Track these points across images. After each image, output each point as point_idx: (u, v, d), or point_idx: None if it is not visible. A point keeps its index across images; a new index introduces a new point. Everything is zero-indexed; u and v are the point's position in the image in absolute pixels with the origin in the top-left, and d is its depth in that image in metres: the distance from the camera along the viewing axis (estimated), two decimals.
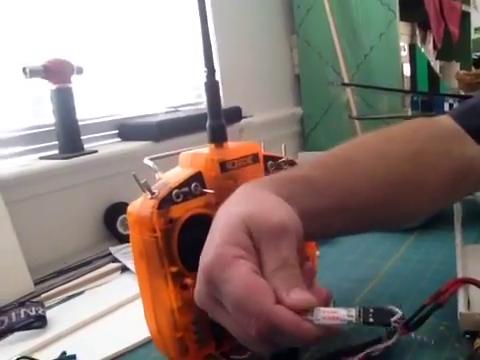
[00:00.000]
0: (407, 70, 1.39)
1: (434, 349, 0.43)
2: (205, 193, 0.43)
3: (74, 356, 0.49)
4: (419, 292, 0.53)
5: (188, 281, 0.42)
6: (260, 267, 0.33)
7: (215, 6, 1.32)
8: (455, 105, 1.03)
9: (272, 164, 0.50)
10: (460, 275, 0.48)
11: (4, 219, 0.69)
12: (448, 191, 0.48)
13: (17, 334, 0.56)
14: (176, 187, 0.42)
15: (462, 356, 0.40)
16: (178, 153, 0.49)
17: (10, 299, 0.62)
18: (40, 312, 0.57)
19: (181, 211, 0.42)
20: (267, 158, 0.50)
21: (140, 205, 0.42)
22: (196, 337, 0.43)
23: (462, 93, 1.42)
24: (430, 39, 1.85)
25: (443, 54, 2.01)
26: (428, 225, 0.74)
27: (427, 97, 1.00)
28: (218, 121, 0.46)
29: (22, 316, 0.56)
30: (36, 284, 0.70)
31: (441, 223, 0.73)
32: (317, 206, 0.40)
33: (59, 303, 0.65)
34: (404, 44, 1.47)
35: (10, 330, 0.55)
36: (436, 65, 1.87)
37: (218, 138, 0.47)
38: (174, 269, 0.41)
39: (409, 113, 1.21)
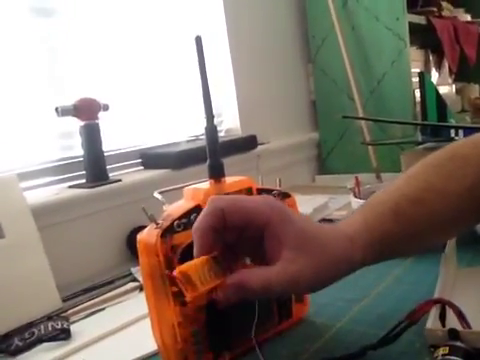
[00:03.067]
0: (417, 96, 1.44)
1: None
2: None
3: None
4: (405, 312, 0.57)
5: (187, 299, 0.49)
6: None
7: (232, 35, 1.39)
8: (460, 131, 1.07)
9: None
10: (436, 296, 0.53)
11: (37, 243, 0.76)
12: None
13: (45, 345, 0.63)
14: (177, 218, 0.49)
15: None
16: (182, 187, 0.56)
17: (40, 314, 0.70)
18: (65, 326, 0.64)
19: (181, 239, 0.49)
20: (261, 191, 0.56)
21: (147, 233, 0.50)
22: (195, 349, 0.50)
23: (470, 118, 1.45)
24: (445, 63, 1.88)
25: (461, 76, 2.04)
26: None
27: (434, 129, 1.05)
28: (216, 161, 0.54)
29: (49, 329, 0.63)
30: (64, 301, 0.77)
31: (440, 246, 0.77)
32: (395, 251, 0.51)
33: (83, 318, 0.71)
34: (417, 70, 1.52)
35: (39, 341, 0.62)
36: (452, 88, 1.90)
37: (216, 175, 0.54)
38: (175, 289, 0.48)
39: (420, 138, 1.25)
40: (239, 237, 0.45)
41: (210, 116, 0.53)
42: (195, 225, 0.45)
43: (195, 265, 0.43)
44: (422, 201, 0.49)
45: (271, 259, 0.44)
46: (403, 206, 0.49)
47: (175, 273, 0.42)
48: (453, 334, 0.45)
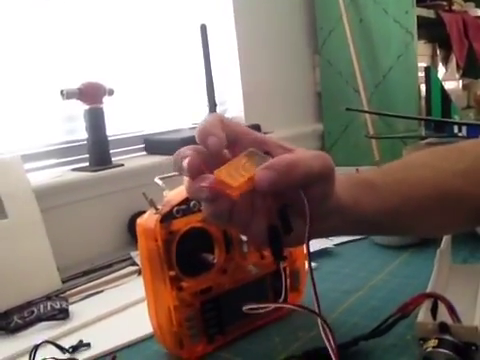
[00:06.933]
0: (423, 91, 1.44)
1: (395, 353, 0.49)
2: (201, 210, 0.51)
3: (89, 344, 0.56)
4: (398, 305, 0.58)
5: (184, 284, 0.50)
6: None
7: (239, 23, 1.39)
8: (463, 128, 1.07)
9: None
10: (429, 290, 0.54)
11: (38, 224, 0.77)
12: None
13: (43, 323, 0.64)
14: (177, 204, 0.50)
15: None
16: None
17: (40, 294, 0.71)
18: (64, 306, 0.66)
19: (180, 224, 0.50)
20: None
21: (146, 218, 0.50)
22: (189, 333, 0.51)
23: (474, 115, 1.45)
24: (453, 58, 1.87)
25: (469, 72, 2.03)
26: (422, 243, 0.79)
27: (438, 124, 1.05)
28: None
29: (48, 308, 0.64)
30: (64, 282, 0.78)
31: (435, 242, 0.77)
32: (377, 208, 0.47)
33: (81, 299, 0.73)
34: (423, 65, 1.51)
35: (38, 320, 0.64)
36: (458, 84, 1.89)
37: None
38: (172, 273, 0.49)
39: (423, 133, 1.25)
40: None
41: (213, 105, 0.54)
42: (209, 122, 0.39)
43: (229, 166, 0.39)
44: (413, 169, 0.49)
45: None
46: (393, 167, 0.49)
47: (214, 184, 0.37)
48: (443, 327, 0.45)
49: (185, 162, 0.39)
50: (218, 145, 0.38)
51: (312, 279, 0.40)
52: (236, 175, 0.38)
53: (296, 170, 0.38)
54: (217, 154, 0.39)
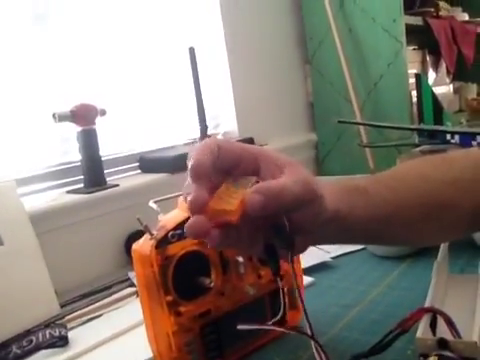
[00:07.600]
0: (414, 97, 1.45)
1: None
2: None
3: None
4: (397, 318, 0.58)
5: (181, 309, 0.50)
6: None
7: (230, 36, 1.39)
8: (456, 136, 1.07)
9: None
10: (427, 304, 0.54)
11: (35, 249, 0.77)
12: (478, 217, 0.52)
13: (43, 352, 0.63)
14: (172, 229, 0.50)
15: None
16: (177, 196, 0.57)
17: (38, 321, 0.70)
18: (63, 333, 0.65)
19: (176, 249, 0.50)
20: None
21: (141, 244, 0.50)
22: (189, 358, 0.50)
23: (466, 120, 1.46)
24: (443, 63, 1.88)
25: (459, 76, 2.04)
26: (420, 253, 0.79)
27: (431, 133, 1.06)
28: None
29: (47, 336, 0.64)
30: (62, 306, 0.77)
31: (433, 251, 0.78)
32: (370, 215, 0.47)
33: (80, 325, 0.72)
34: (413, 72, 1.52)
35: (37, 348, 0.63)
36: (449, 88, 1.91)
37: None
38: (169, 298, 0.49)
39: (416, 140, 1.26)
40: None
41: (204, 126, 0.54)
42: (195, 163, 0.40)
43: (218, 196, 0.39)
44: (405, 178, 0.50)
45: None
46: (386, 176, 0.50)
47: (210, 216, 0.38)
48: (442, 343, 0.45)
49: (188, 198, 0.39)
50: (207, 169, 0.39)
51: (302, 304, 0.40)
52: (229, 199, 0.38)
53: (284, 197, 0.39)
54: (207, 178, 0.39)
